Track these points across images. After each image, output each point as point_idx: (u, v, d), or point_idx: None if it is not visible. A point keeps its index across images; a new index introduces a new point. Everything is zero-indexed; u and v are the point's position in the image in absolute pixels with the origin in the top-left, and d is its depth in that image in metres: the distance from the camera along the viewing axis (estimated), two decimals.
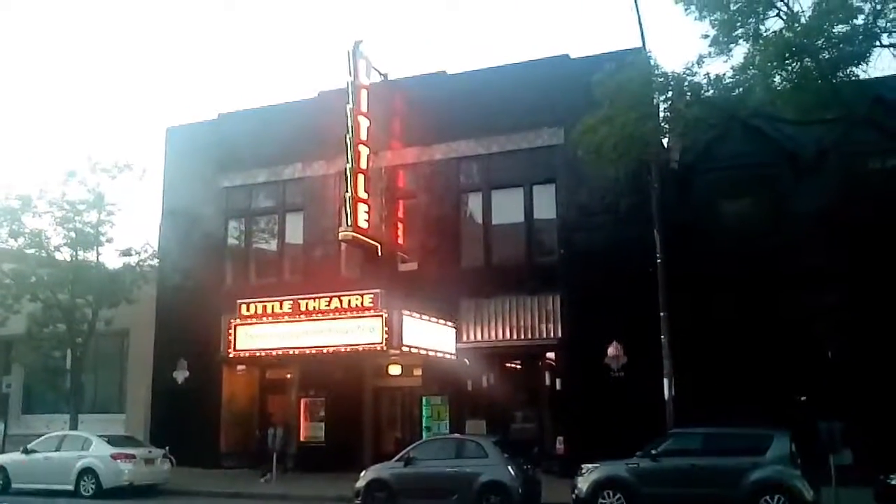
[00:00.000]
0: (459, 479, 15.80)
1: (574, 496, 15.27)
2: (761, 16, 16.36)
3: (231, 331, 21.08)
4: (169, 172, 27.48)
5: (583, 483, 15.18)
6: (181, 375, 24.08)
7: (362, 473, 17.12)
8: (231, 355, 21.39)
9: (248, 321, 20.88)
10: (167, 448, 21.03)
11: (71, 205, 24.92)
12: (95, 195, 25.16)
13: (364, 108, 23.50)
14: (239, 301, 21.29)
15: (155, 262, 25.88)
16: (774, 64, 15.35)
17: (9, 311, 24.19)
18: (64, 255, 25.34)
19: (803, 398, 18.77)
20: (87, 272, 24.91)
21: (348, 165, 22.69)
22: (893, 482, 13.59)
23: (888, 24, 15.16)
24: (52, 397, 28.61)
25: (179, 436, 23.15)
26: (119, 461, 19.17)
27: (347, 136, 22.82)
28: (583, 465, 15.56)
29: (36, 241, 24.89)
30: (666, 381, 17.92)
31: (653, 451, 14.92)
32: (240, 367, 24.97)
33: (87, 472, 19.23)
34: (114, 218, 25.49)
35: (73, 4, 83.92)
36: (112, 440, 20.23)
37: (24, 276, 24.37)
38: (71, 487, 19.07)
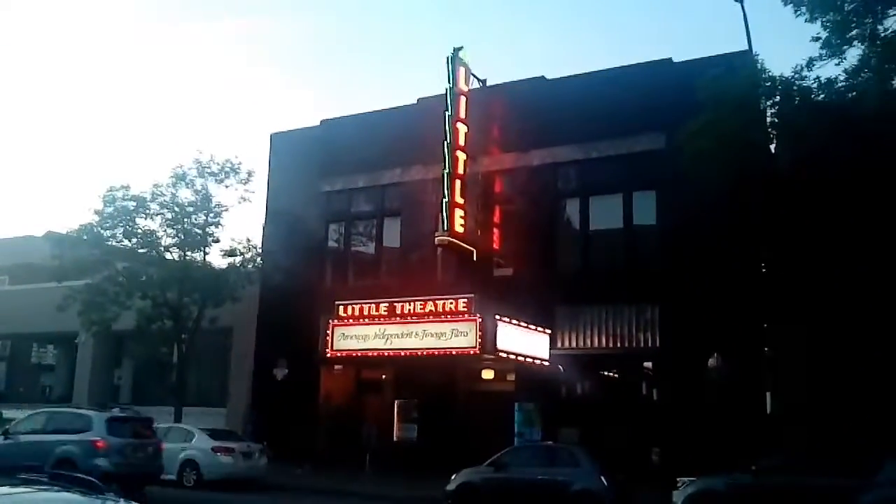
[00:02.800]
0: (550, 486, 15.66)
1: None
2: (879, 15, 15.63)
3: (329, 331, 21.49)
4: (273, 177, 28.36)
5: (678, 497, 14.74)
6: (281, 373, 24.71)
7: (453, 477, 17.16)
8: (328, 355, 21.82)
9: (346, 322, 21.25)
10: (265, 443, 21.57)
11: (180, 207, 25.98)
12: (203, 197, 26.16)
13: (462, 114, 23.65)
14: (337, 302, 21.69)
15: (258, 262, 26.69)
16: (892, 66, 14.64)
17: (121, 308, 25.33)
18: (173, 254, 26.45)
19: None
20: (194, 272, 25.90)
21: (446, 171, 22.84)
22: None
23: None
24: (158, 390, 29.85)
25: (278, 431, 23.79)
26: (219, 454, 19.83)
27: (445, 143, 22.99)
28: (679, 479, 15.13)
29: (148, 242, 26.05)
30: (768, 395, 17.31)
31: (753, 467, 14.39)
32: (337, 367, 25.45)
33: (190, 463, 19.95)
34: (220, 220, 26.49)
35: (187, 13, 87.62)
36: (214, 433, 20.92)
37: (136, 274, 25.53)
38: (174, 477, 19.75)
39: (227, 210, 26.46)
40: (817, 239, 19.18)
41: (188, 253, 26.39)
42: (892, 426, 17.29)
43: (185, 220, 26.03)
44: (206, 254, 26.69)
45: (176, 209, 25.96)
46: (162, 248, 26.27)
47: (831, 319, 18.14)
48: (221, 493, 18.93)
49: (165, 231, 26.18)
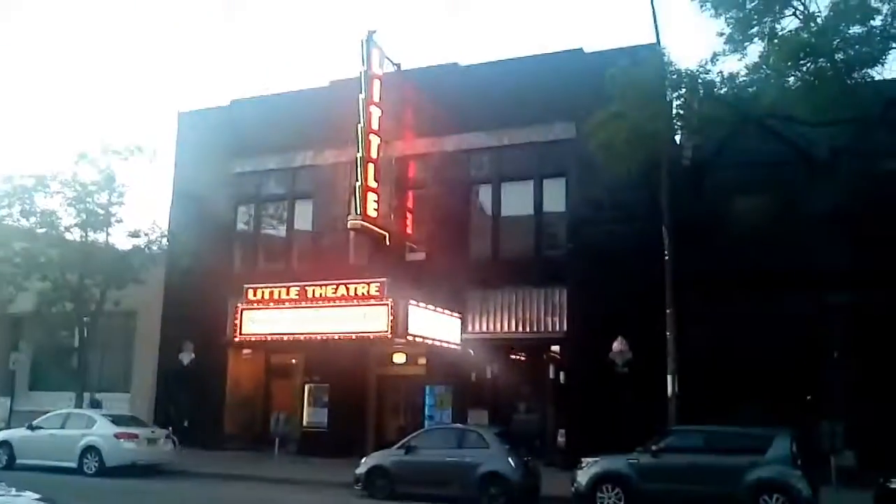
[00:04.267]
0: (460, 468, 15.82)
1: (573, 489, 15.27)
2: (777, 15, 16.31)
3: (237, 315, 21.15)
4: (180, 157, 27.63)
5: (582, 476, 15.18)
6: (187, 357, 24.20)
7: (363, 460, 17.18)
8: (237, 339, 21.50)
9: (255, 306, 20.95)
10: (170, 428, 21.13)
11: (82, 186, 25.00)
12: (106, 177, 25.24)
13: (376, 97, 23.54)
14: (246, 286, 21.35)
15: (164, 244, 25.98)
16: (789, 63, 15.33)
17: (18, 290, 24.32)
18: (74, 235, 25.45)
19: (808, 398, 18.70)
20: (96, 253, 25.02)
21: (359, 154, 22.73)
22: (893, 485, 13.52)
23: None
24: (59, 375, 28.80)
25: (183, 417, 23.37)
26: (122, 440, 19.29)
27: (359, 126, 22.85)
28: (583, 459, 15.55)
29: (47, 221, 24.96)
30: (669, 378, 17.90)
31: (653, 448, 14.90)
32: (245, 352, 25.12)
33: (91, 450, 19.32)
34: (124, 200, 25.63)
35: None
36: (116, 419, 20.34)
37: (35, 255, 24.47)
38: (74, 465, 19.14)
39: (129, 188, 25.63)
40: (719, 224, 19.97)
41: (90, 233, 25.46)
42: (787, 405, 18.23)
43: (88, 199, 25.06)
44: (109, 235, 25.81)
45: (77, 188, 24.96)
46: (62, 229, 25.23)
47: (730, 301, 18.90)
48: (124, 479, 18.44)
49: (66, 210, 25.19)
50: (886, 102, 17.00)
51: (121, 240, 25.88)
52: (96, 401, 24.88)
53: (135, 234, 25.47)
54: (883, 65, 15.45)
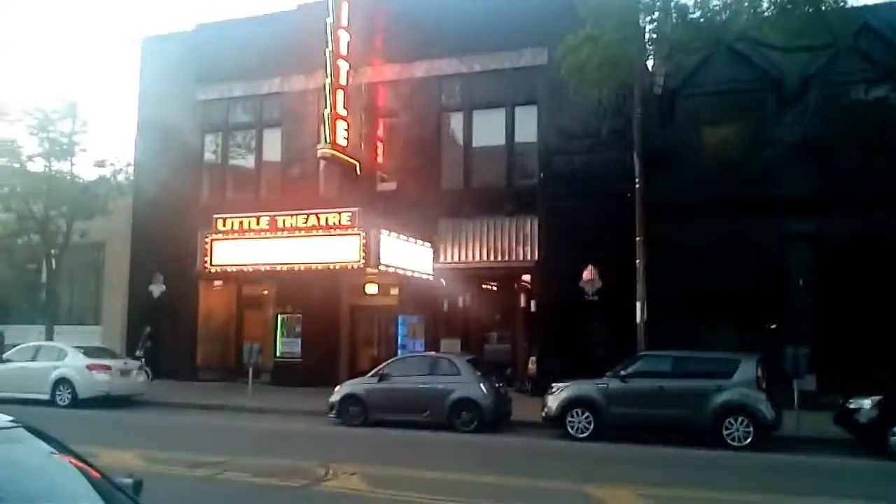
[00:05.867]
0: (432, 395, 16.05)
1: (544, 414, 15.55)
2: None
3: (207, 246, 20.96)
4: (144, 84, 26.94)
5: (553, 401, 15.44)
6: (157, 289, 24.09)
7: (336, 388, 17.33)
8: (207, 270, 21.35)
9: (224, 236, 20.76)
10: (143, 359, 21.13)
11: (44, 113, 24.36)
12: (68, 104, 24.61)
13: (344, 21, 23.00)
14: (215, 216, 21.10)
15: (130, 174, 25.53)
16: None
17: None
18: (38, 165, 24.94)
19: (773, 325, 19.08)
20: (61, 183, 24.62)
21: (327, 81, 22.30)
22: (851, 406, 13.96)
23: None
24: (27, 308, 28.58)
25: (156, 349, 23.39)
26: (95, 372, 19.27)
27: (327, 51, 22.37)
28: (553, 385, 15.79)
29: (9, 150, 24.40)
30: (638, 305, 18.12)
31: (622, 372, 15.15)
32: (217, 283, 25.00)
33: (63, 382, 19.32)
34: (87, 128, 25.14)
35: None
36: (87, 351, 20.26)
37: None
38: (47, 397, 19.14)
39: (93, 117, 25.10)
40: (690, 151, 19.98)
41: (54, 163, 24.94)
42: (754, 331, 18.58)
43: (50, 127, 24.46)
44: (73, 164, 25.32)
45: (39, 115, 24.32)
46: (25, 158, 24.68)
47: (699, 229, 19.06)
48: (97, 410, 18.50)
49: (28, 139, 24.59)
50: (858, 29, 16.92)
51: (86, 170, 25.48)
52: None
53: (100, 164, 25.07)
54: None
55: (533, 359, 20.93)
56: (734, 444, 13.84)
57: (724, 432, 13.95)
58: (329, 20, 22.47)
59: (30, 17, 76.48)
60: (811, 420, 14.98)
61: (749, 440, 13.79)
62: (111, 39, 74.70)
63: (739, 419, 13.96)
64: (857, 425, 13.78)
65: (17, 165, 24.61)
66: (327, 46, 22.36)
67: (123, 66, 54.00)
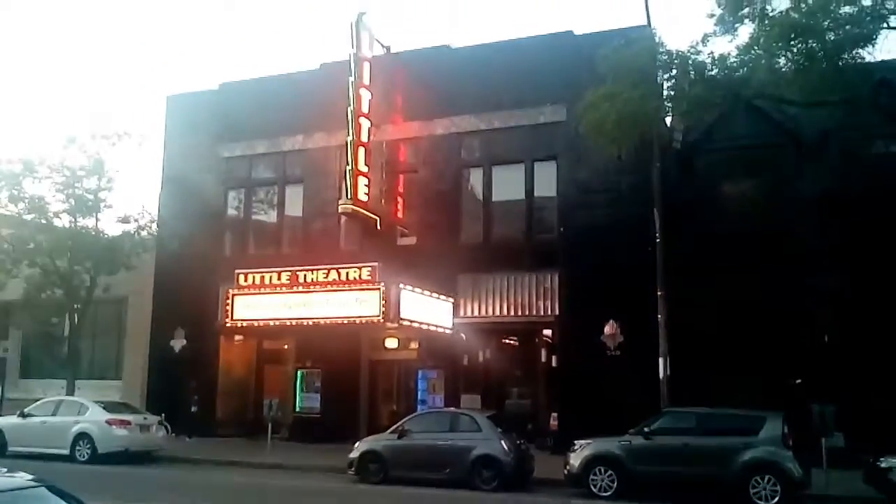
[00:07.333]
0: (452, 452, 15.86)
1: (566, 472, 15.33)
2: None
3: (228, 300, 21.07)
4: (169, 141, 27.40)
5: (575, 459, 15.23)
6: (178, 344, 24.17)
7: (356, 444, 17.19)
8: (228, 325, 21.43)
9: (246, 291, 20.88)
10: (163, 415, 21.12)
11: (71, 171, 24.85)
12: (95, 161, 25.09)
13: (366, 80, 23.37)
14: (237, 271, 21.27)
15: (154, 229, 25.85)
16: (779, 44, 15.23)
17: (7, 277, 24.21)
18: (63, 221, 25.33)
19: (798, 381, 18.78)
20: (85, 239, 24.93)
21: (349, 138, 22.59)
22: (882, 464, 13.66)
23: None
24: (49, 363, 28.75)
25: (176, 404, 23.35)
26: (114, 427, 19.26)
27: (349, 109, 22.69)
28: (576, 442, 15.59)
29: (36, 207, 24.85)
30: (661, 361, 17.95)
31: (645, 429, 14.95)
32: (237, 337, 25.04)
33: (83, 436, 19.30)
34: (113, 185, 25.54)
35: None
36: (108, 406, 20.29)
37: (23, 241, 24.39)
38: (67, 452, 19.12)
39: (118, 172, 25.52)
40: (709, 206, 19.98)
41: (79, 219, 25.33)
42: (778, 387, 18.31)
43: (76, 184, 24.92)
44: (98, 220, 25.69)
45: (66, 173, 24.81)
46: (51, 215, 25.10)
47: (722, 283, 18.93)
48: (117, 466, 18.42)
49: (55, 196, 25.03)
50: (876, 84, 16.96)
51: (110, 225, 25.85)
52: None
53: (124, 220, 25.42)
54: (873, 45, 15.34)
55: (554, 414, 20.71)
56: (761, 502, 13.58)
57: (751, 490, 13.68)
58: (351, 79, 22.87)
59: (58, 77, 78.45)
60: (840, 478, 14.66)
61: (777, 499, 13.51)
62: (138, 97, 76.38)
63: (766, 477, 13.69)
64: (887, 484, 13.48)
65: (43, 221, 25.03)
66: (350, 105, 22.71)
67: (148, 123, 55.40)
